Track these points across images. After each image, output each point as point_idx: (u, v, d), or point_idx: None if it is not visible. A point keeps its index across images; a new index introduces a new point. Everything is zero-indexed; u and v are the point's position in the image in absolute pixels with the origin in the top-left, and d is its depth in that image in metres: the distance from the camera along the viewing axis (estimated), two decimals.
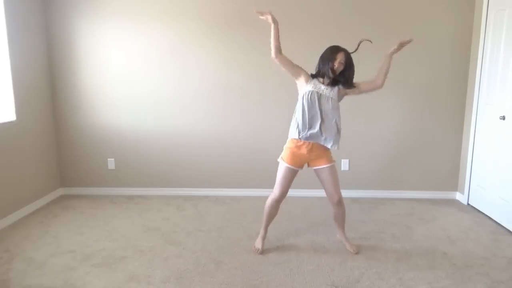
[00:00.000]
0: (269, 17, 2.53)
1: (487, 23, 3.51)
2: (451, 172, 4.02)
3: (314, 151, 2.61)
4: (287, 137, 3.85)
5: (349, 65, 2.56)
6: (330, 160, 2.64)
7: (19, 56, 3.49)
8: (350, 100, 3.94)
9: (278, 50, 2.59)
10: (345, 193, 4.06)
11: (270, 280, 2.43)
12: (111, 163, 4.11)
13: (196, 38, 3.86)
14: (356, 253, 2.77)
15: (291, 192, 4.08)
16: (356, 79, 2.65)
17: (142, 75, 3.94)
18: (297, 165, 2.65)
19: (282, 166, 2.65)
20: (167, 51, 3.89)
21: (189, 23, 3.83)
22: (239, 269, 2.56)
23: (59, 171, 4.14)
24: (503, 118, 3.29)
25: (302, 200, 3.95)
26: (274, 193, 2.70)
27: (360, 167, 4.04)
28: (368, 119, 3.95)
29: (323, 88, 2.56)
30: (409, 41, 2.63)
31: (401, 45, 2.67)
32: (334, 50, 2.54)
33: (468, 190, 3.83)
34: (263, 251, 2.80)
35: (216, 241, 2.98)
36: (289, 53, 3.81)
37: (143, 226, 3.29)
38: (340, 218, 2.83)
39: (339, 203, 2.72)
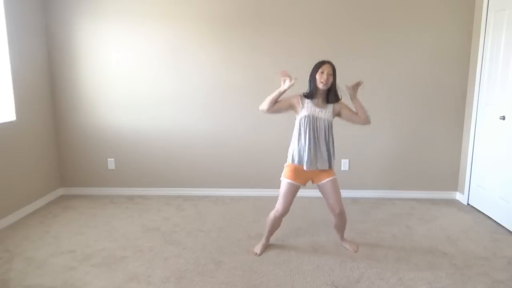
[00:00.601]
0: (289, 81, 2.53)
1: (487, 23, 3.51)
2: (451, 172, 4.02)
3: (314, 171, 2.64)
4: (286, 137, 3.86)
5: (334, 76, 2.59)
6: (330, 174, 2.65)
7: (19, 56, 3.49)
8: (349, 101, 3.95)
9: (273, 105, 2.61)
10: (345, 193, 4.07)
11: (270, 280, 2.43)
12: (111, 163, 4.11)
13: (195, 39, 3.86)
14: (356, 251, 2.80)
15: None
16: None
17: (142, 75, 3.95)
18: (299, 181, 2.65)
19: (285, 182, 2.65)
20: (167, 52, 3.89)
21: (189, 23, 3.84)
22: (239, 269, 2.56)
23: (59, 171, 4.14)
24: (503, 118, 3.29)
25: (302, 200, 3.94)
26: (276, 209, 2.69)
27: (360, 167, 4.04)
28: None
29: (317, 111, 2.59)
30: (358, 84, 2.67)
31: (355, 87, 2.67)
32: (318, 64, 2.58)
33: (468, 190, 3.83)
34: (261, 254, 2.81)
35: (216, 241, 2.98)
36: (289, 52, 3.83)
37: (143, 226, 3.29)
38: (341, 228, 2.85)
39: (340, 215, 2.73)
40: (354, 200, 3.98)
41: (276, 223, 2.76)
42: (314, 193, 4.06)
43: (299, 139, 2.59)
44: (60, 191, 4.15)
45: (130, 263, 2.64)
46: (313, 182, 2.71)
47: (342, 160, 4.02)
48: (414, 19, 3.75)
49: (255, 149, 4.03)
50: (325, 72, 2.53)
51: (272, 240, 2.99)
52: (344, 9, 3.77)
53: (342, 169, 4.03)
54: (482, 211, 3.60)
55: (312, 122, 2.56)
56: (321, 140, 2.58)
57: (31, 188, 3.68)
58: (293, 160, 2.62)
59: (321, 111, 2.59)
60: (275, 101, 2.60)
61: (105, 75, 3.96)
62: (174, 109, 3.99)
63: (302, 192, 4.03)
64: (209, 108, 3.98)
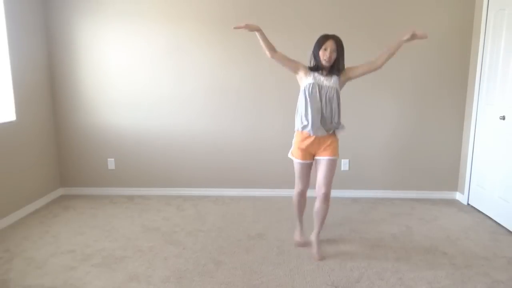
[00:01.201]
0: (248, 28, 2.59)
1: (487, 23, 3.51)
2: (451, 172, 4.02)
3: (320, 142, 2.63)
4: (286, 136, 3.86)
5: (340, 51, 2.56)
6: (332, 153, 2.62)
7: (19, 56, 3.49)
8: (350, 100, 3.95)
9: (272, 49, 2.67)
10: (345, 193, 4.08)
11: (270, 280, 2.43)
12: (111, 163, 4.11)
13: (195, 39, 3.86)
14: (320, 260, 2.65)
15: (291, 192, 4.09)
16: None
17: (142, 75, 3.95)
18: (308, 158, 2.68)
19: (296, 163, 2.71)
20: (166, 51, 3.89)
21: (188, 24, 3.84)
22: (239, 269, 2.56)
23: (59, 171, 4.14)
24: (503, 118, 3.29)
25: None
26: (296, 187, 2.77)
27: (360, 167, 4.04)
28: (368, 119, 3.95)
29: (322, 79, 2.57)
30: (423, 37, 2.59)
31: (414, 37, 2.60)
32: (322, 40, 2.54)
33: (468, 190, 3.83)
34: (305, 244, 2.83)
35: (216, 241, 2.98)
36: (288, 52, 3.83)
37: (143, 226, 3.29)
38: (320, 215, 2.70)
39: (325, 197, 2.64)
40: (354, 200, 3.98)
41: (301, 201, 2.81)
42: (314, 193, 4.07)
43: (305, 106, 2.58)
44: (60, 191, 4.15)
45: (130, 263, 2.64)
46: (315, 156, 2.69)
47: (342, 160, 4.02)
48: (414, 19, 3.75)
49: (255, 149, 4.03)
50: (328, 49, 2.50)
51: (272, 240, 3.00)
52: (343, 9, 3.77)
53: (342, 169, 4.03)
54: (482, 211, 3.60)
55: (318, 90, 2.55)
56: (326, 108, 2.57)
57: (31, 188, 3.68)
58: (298, 127, 2.66)
59: (326, 79, 2.58)
60: (269, 46, 2.67)
61: (105, 75, 3.96)
62: (174, 109, 3.99)
63: None
64: (209, 108, 3.98)
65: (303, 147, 2.65)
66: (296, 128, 2.70)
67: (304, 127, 2.62)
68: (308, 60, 2.67)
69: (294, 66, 2.66)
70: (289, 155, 2.76)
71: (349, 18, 3.78)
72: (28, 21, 3.64)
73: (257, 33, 2.64)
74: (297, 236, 2.91)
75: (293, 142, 2.74)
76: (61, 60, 3.95)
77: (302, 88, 2.63)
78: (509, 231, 3.20)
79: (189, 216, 3.52)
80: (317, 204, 2.69)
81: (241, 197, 4.03)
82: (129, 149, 4.08)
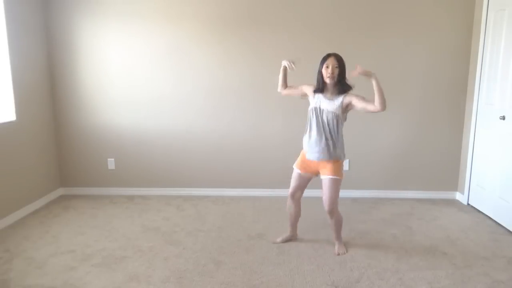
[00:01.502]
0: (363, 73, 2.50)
1: (487, 23, 3.50)
2: (451, 172, 4.02)
3: (320, 163, 2.70)
4: (286, 136, 3.86)
5: (342, 67, 2.60)
6: (331, 172, 2.67)
7: (19, 56, 3.49)
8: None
9: (285, 85, 2.84)
10: (345, 193, 4.08)
11: (270, 280, 2.43)
12: (111, 163, 4.11)
13: (195, 39, 3.86)
14: (338, 255, 2.77)
15: None
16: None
17: (141, 75, 3.95)
18: (305, 171, 2.78)
19: (294, 171, 2.85)
20: (166, 52, 3.89)
21: (188, 24, 3.84)
22: (239, 269, 2.56)
23: (59, 171, 4.14)
24: (503, 118, 3.29)
25: (302, 200, 3.94)
26: (290, 190, 2.90)
27: (360, 167, 4.04)
28: (368, 119, 3.95)
29: (325, 103, 2.61)
30: (366, 73, 2.50)
31: (362, 73, 2.51)
32: (323, 59, 2.62)
33: (468, 190, 3.83)
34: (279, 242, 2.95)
35: (216, 241, 2.98)
36: (288, 53, 3.84)
37: (143, 226, 3.29)
38: (333, 228, 2.85)
39: (329, 213, 2.75)
40: (354, 200, 3.98)
41: (291, 207, 2.90)
42: (314, 193, 4.07)
43: (307, 129, 2.70)
44: (60, 191, 4.15)
45: (130, 263, 2.64)
46: (317, 174, 2.79)
47: None
48: (414, 19, 3.75)
49: (255, 149, 4.03)
50: (330, 66, 2.55)
51: (272, 239, 3.00)
52: (343, 10, 3.77)
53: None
54: (482, 211, 3.60)
55: (316, 114, 2.62)
56: (325, 133, 2.61)
57: (31, 188, 3.68)
58: (304, 148, 2.76)
59: (329, 103, 2.60)
60: (283, 81, 2.81)
61: (105, 75, 3.96)
62: (174, 109, 3.99)
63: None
64: (209, 108, 3.98)
65: (305, 163, 2.77)
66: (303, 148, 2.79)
67: (305, 150, 2.74)
68: (314, 67, 2.68)
69: (299, 92, 2.79)
70: (294, 166, 2.85)
71: (349, 18, 3.78)
72: (28, 21, 3.64)
73: (282, 71, 2.80)
74: (279, 239, 2.97)
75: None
76: (61, 60, 3.95)
77: (309, 110, 2.69)
78: (509, 231, 3.20)
79: (189, 216, 3.52)
80: (329, 220, 2.83)
81: (241, 197, 4.03)
82: (129, 149, 4.08)
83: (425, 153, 3.99)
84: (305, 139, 2.73)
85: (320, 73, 2.62)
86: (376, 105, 2.48)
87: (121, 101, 3.99)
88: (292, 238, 2.99)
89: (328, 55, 2.60)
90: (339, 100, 2.59)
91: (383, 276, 2.48)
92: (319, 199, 3.94)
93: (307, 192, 4.04)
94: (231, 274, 2.50)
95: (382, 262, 2.66)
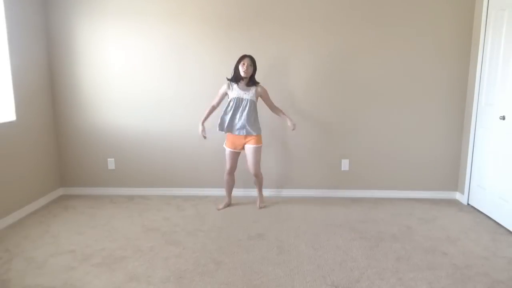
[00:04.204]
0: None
1: (487, 23, 3.50)
2: (451, 172, 4.02)
3: (243, 138, 3.51)
4: (286, 137, 3.84)
5: (254, 66, 3.40)
6: (256, 142, 3.49)
7: (19, 56, 3.49)
8: (350, 100, 3.95)
9: (213, 109, 3.63)
10: (345, 193, 4.09)
11: (270, 280, 2.43)
12: (111, 163, 4.11)
13: (196, 38, 3.86)
14: (261, 208, 3.70)
15: (291, 192, 4.10)
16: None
17: (142, 75, 3.95)
18: (234, 146, 3.53)
19: (226, 150, 3.60)
20: (167, 51, 3.90)
21: (189, 23, 3.84)
22: (239, 269, 2.56)
23: (59, 171, 4.14)
24: (503, 118, 3.29)
25: (302, 200, 3.95)
26: (226, 168, 3.64)
27: (360, 167, 4.04)
28: (368, 119, 3.95)
29: (242, 93, 3.41)
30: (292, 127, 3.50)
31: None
32: (240, 58, 3.39)
33: (468, 190, 3.83)
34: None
35: (216, 241, 2.98)
36: (292, 52, 3.84)
37: (143, 226, 3.29)
38: (258, 185, 3.72)
39: (255, 176, 3.63)
40: (354, 200, 3.98)
41: (229, 180, 3.70)
42: (314, 193, 4.08)
43: (225, 113, 3.45)
44: (60, 191, 4.15)
45: (130, 263, 2.64)
46: (243, 147, 3.53)
47: (342, 160, 4.02)
48: (414, 19, 3.75)
49: None
50: (246, 64, 3.34)
51: (272, 240, 3.00)
52: (345, 10, 3.77)
53: (342, 169, 4.03)
54: (482, 211, 3.60)
55: (238, 101, 3.42)
56: (243, 114, 3.40)
57: (31, 188, 3.68)
58: (221, 129, 3.49)
59: (245, 93, 3.41)
60: (209, 114, 3.61)
61: (105, 75, 3.96)
62: (174, 109, 3.99)
63: (302, 192, 4.07)
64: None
65: (230, 140, 3.53)
66: (220, 129, 3.52)
67: (226, 129, 3.50)
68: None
69: (222, 97, 3.54)
70: (224, 145, 3.59)
71: (351, 18, 3.78)
72: (29, 22, 3.64)
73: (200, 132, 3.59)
74: (221, 205, 3.76)
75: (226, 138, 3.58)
76: (61, 60, 3.95)
77: (228, 99, 3.47)
78: (509, 231, 3.20)
79: (189, 216, 3.52)
80: (254, 179, 3.69)
81: (241, 197, 4.02)
82: (129, 149, 4.08)
83: (425, 153, 3.99)
84: (223, 119, 3.49)
85: (236, 68, 3.39)
86: (273, 109, 3.57)
87: (121, 101, 3.99)
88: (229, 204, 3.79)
89: (244, 56, 3.37)
90: (253, 90, 3.43)
91: (383, 276, 2.48)
92: (318, 199, 3.96)
93: (307, 192, 4.07)
94: (231, 274, 2.50)
95: (382, 262, 2.66)
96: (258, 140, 3.50)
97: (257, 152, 3.51)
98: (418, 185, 4.05)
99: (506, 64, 3.26)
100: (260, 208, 3.70)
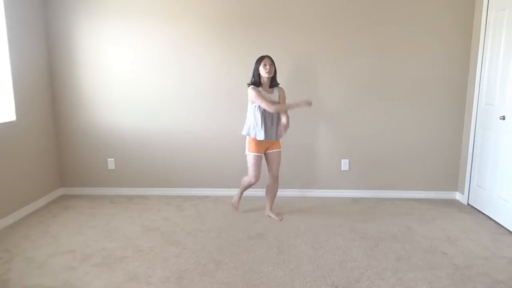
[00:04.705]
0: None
1: (487, 23, 3.50)
2: (451, 172, 4.02)
3: (269, 143, 3.31)
4: (286, 137, 3.83)
5: (274, 65, 3.21)
6: (278, 146, 3.36)
7: (19, 56, 3.49)
8: (350, 100, 3.95)
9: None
10: (345, 193, 4.09)
11: (270, 280, 2.43)
12: (111, 163, 4.11)
13: (197, 38, 3.86)
14: (281, 220, 3.39)
15: (291, 192, 4.10)
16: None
17: (142, 75, 3.95)
18: (260, 151, 3.30)
19: (251, 156, 3.31)
20: (167, 51, 3.89)
21: (190, 22, 3.83)
22: (239, 269, 2.56)
23: (59, 171, 4.14)
24: (503, 118, 3.29)
25: (302, 200, 3.95)
26: (250, 177, 3.38)
27: (360, 167, 4.04)
28: (368, 119, 3.95)
29: (268, 96, 3.21)
30: (308, 104, 3.23)
31: (306, 104, 3.23)
32: (259, 59, 3.20)
33: (468, 190, 3.83)
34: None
35: (216, 241, 2.98)
36: (294, 51, 3.85)
37: (143, 226, 3.29)
38: (272, 195, 3.47)
39: (277, 178, 3.42)
40: (354, 200, 3.98)
41: (248, 187, 3.48)
42: (314, 193, 4.08)
43: (255, 118, 3.20)
44: (60, 191, 4.15)
45: (130, 263, 2.64)
46: (266, 151, 3.34)
47: (342, 160, 4.02)
48: (414, 19, 3.75)
49: None
50: (267, 64, 3.15)
51: (272, 240, 3.00)
52: (346, 10, 3.77)
53: (342, 169, 4.03)
54: (482, 211, 3.60)
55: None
56: (273, 118, 3.23)
57: (31, 188, 3.68)
58: (249, 134, 3.26)
59: (271, 96, 3.24)
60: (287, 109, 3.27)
61: (105, 75, 3.96)
62: (174, 109, 3.99)
63: (302, 192, 4.06)
64: (209, 108, 3.98)
65: (257, 145, 3.28)
66: (249, 135, 3.28)
67: (255, 135, 3.22)
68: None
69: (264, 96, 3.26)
70: (246, 152, 3.36)
71: (349, 19, 3.77)
72: (29, 22, 3.64)
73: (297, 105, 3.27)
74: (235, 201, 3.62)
75: (247, 143, 3.34)
76: (61, 60, 3.95)
77: (256, 104, 3.20)
78: (509, 231, 3.20)
79: (189, 216, 3.51)
80: (270, 185, 3.45)
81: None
82: (129, 149, 4.08)
83: (425, 153, 3.99)
84: (253, 125, 3.23)
85: (257, 70, 3.19)
86: (270, 108, 3.16)
87: (121, 101, 3.99)
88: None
89: (263, 56, 3.17)
90: (276, 91, 3.27)
91: (383, 276, 2.48)
92: (318, 199, 3.96)
93: (307, 193, 4.07)
94: (231, 274, 2.50)
95: (382, 262, 2.66)
96: (280, 143, 3.42)
97: (280, 155, 3.42)
98: (418, 185, 4.05)
99: (506, 64, 3.26)
100: (280, 220, 3.41)
